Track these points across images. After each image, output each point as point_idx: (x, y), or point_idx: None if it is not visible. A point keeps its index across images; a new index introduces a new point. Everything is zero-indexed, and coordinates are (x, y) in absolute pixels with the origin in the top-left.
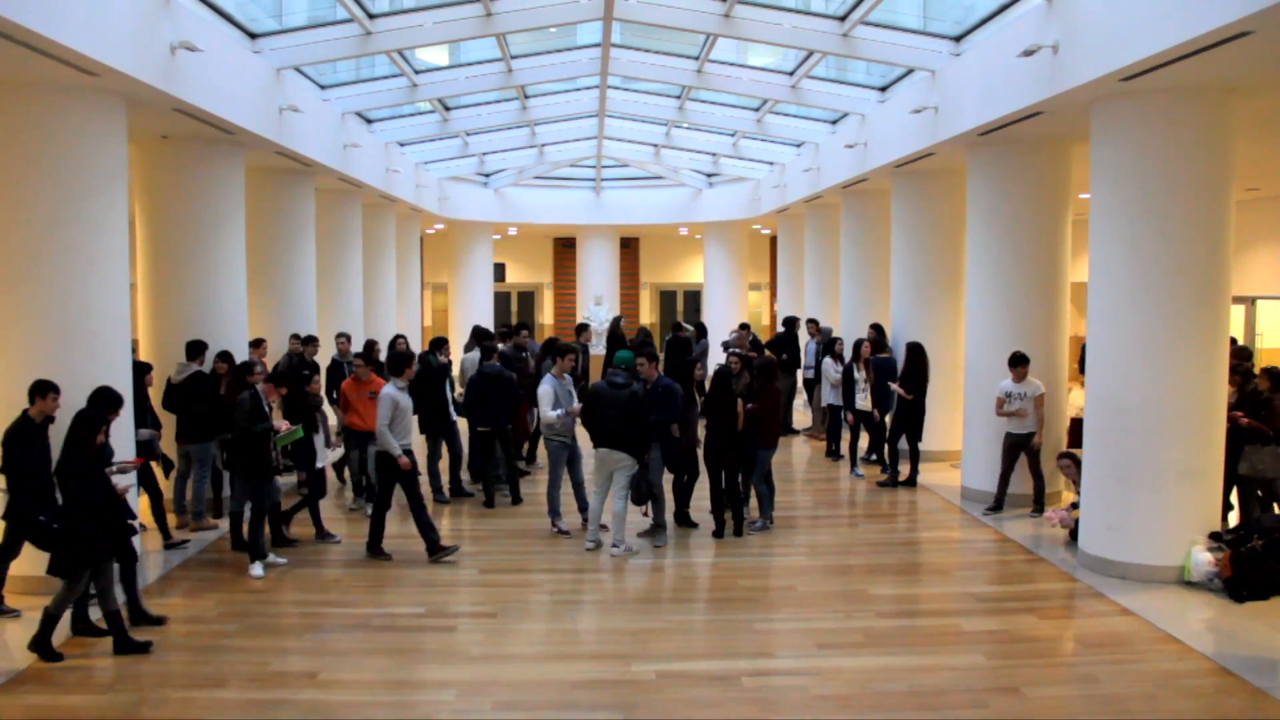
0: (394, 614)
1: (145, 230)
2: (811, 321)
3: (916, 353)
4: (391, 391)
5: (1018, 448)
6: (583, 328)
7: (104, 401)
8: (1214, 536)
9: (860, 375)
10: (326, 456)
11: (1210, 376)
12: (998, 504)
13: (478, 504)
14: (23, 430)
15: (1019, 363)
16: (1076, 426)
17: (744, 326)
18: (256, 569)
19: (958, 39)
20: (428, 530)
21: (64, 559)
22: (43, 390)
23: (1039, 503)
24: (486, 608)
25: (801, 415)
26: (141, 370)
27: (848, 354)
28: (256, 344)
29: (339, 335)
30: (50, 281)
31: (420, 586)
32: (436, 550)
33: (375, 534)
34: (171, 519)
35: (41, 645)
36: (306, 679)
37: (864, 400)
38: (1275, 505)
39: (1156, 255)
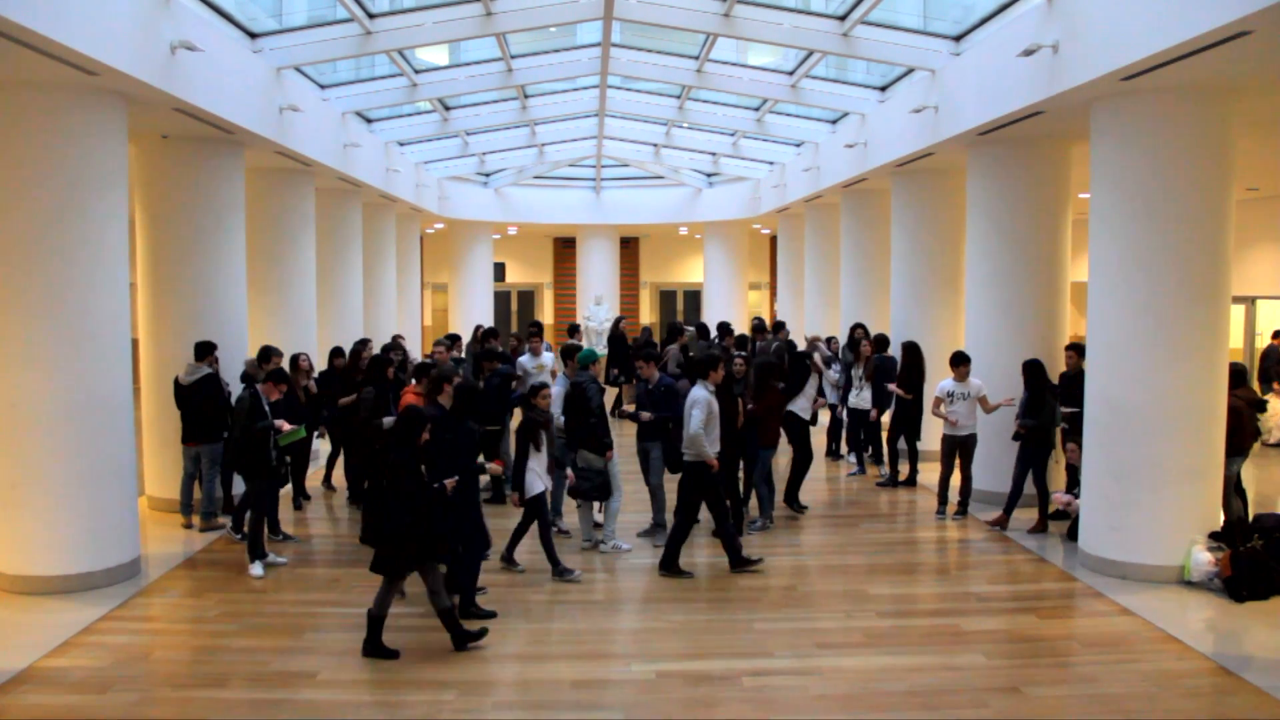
0: (394, 613)
1: (145, 230)
2: (758, 320)
3: (912, 352)
4: (705, 394)
5: (956, 449)
6: (574, 329)
7: (464, 402)
8: (1214, 536)
9: (858, 374)
10: (547, 482)
11: (1210, 376)
12: (941, 504)
13: None
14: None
15: (961, 362)
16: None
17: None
18: (256, 569)
19: (958, 39)
20: (731, 541)
21: (388, 557)
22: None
23: (964, 505)
24: (487, 607)
25: None
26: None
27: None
28: (364, 344)
29: (441, 342)
30: (50, 281)
31: (421, 586)
32: (741, 564)
33: (671, 550)
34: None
35: (374, 647)
36: (307, 679)
37: (859, 399)
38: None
39: (1156, 255)
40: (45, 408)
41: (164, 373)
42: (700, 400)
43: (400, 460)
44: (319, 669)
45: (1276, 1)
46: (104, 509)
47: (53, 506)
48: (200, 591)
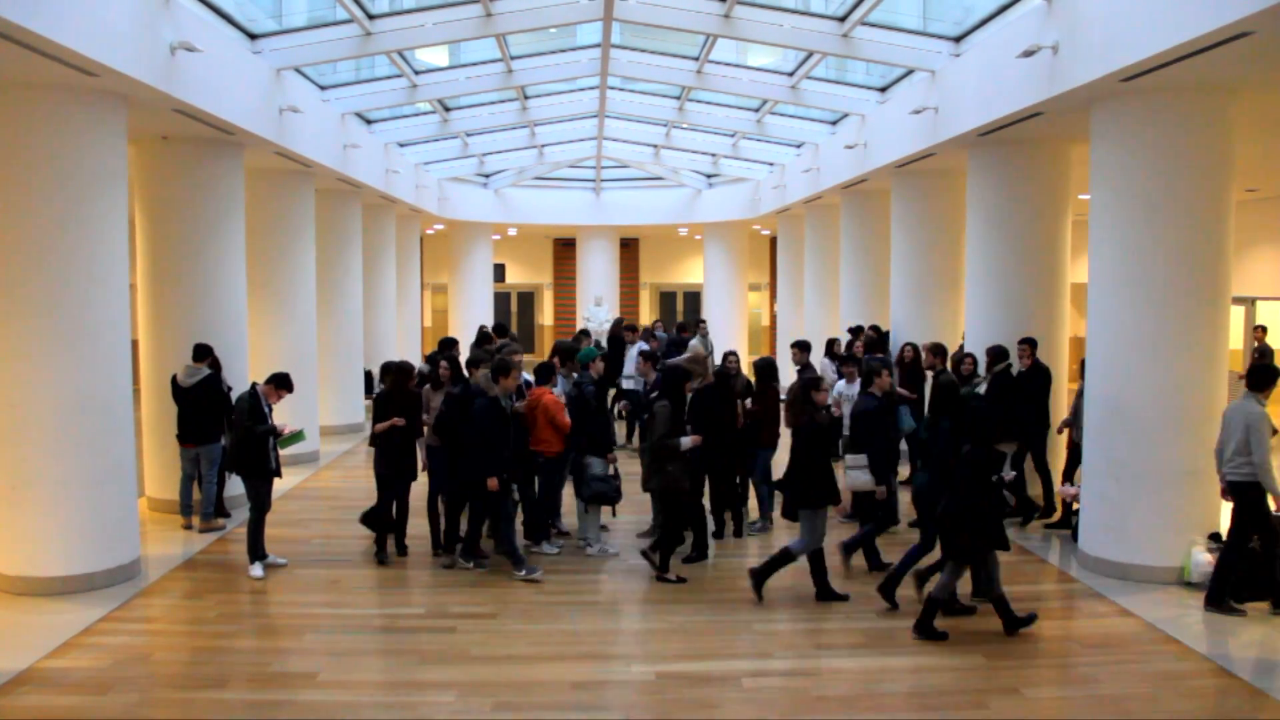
0: (394, 614)
1: (145, 231)
2: (629, 329)
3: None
4: (1259, 410)
5: None
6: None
7: (949, 399)
8: (1214, 537)
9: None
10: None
11: (1210, 377)
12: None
13: None
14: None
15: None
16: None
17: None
18: (256, 569)
19: (957, 39)
20: (1227, 574)
21: (955, 545)
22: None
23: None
24: (486, 608)
25: None
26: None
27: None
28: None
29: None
30: (50, 282)
31: (420, 587)
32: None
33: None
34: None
35: (926, 629)
36: (307, 680)
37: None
38: None
39: (1156, 255)
40: (45, 408)
41: (164, 373)
42: (1256, 418)
43: (977, 456)
44: (319, 670)
45: (1277, 2)
46: (104, 509)
47: (53, 507)
48: (200, 592)
